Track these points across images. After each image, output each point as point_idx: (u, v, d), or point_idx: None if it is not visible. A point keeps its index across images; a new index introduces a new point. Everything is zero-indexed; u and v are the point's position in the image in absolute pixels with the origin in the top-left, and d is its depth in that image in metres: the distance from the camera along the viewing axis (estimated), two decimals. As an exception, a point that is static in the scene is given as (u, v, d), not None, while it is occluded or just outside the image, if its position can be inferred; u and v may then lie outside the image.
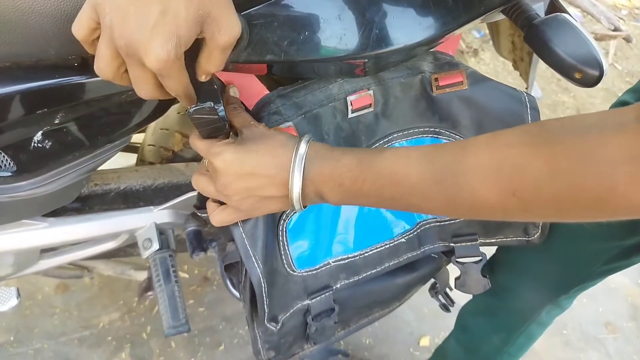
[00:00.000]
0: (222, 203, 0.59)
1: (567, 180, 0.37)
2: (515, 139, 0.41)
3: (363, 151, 0.52)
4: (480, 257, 0.80)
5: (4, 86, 0.52)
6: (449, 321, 1.23)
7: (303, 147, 0.52)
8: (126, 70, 0.45)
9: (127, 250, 1.02)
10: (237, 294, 0.81)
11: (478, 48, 2.90)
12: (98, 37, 0.44)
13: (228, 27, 0.44)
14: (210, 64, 0.47)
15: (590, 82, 0.68)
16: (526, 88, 1.12)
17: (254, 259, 0.62)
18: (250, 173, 0.52)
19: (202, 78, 0.49)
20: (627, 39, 3.18)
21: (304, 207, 0.56)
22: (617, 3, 3.96)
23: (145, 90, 0.45)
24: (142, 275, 1.13)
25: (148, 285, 0.98)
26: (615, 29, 3.05)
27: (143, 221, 0.83)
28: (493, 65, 2.83)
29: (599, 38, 3.11)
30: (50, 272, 1.04)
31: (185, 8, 0.40)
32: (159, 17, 0.40)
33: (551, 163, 0.38)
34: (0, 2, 0.46)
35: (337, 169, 0.51)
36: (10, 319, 1.38)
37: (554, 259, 0.90)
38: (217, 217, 0.58)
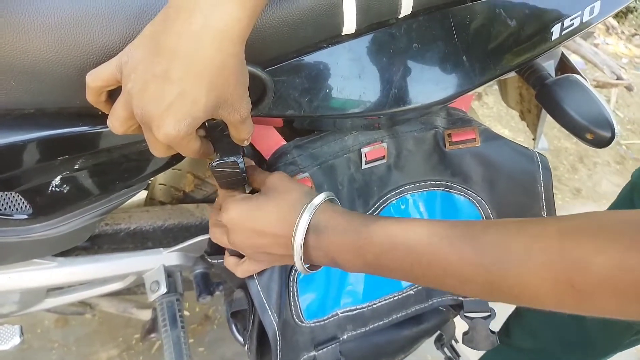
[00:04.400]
0: (239, 255, 0.59)
1: (637, 278, 0.35)
2: (569, 228, 0.39)
3: (387, 223, 0.48)
4: (489, 313, 0.80)
5: (27, 132, 0.52)
6: (452, 371, 1.21)
7: (305, 217, 0.50)
8: (137, 127, 0.47)
9: (131, 288, 1.01)
10: (242, 340, 0.80)
11: (482, 92, 2.94)
12: (106, 92, 0.47)
13: (241, 108, 0.47)
14: (241, 133, 0.50)
15: (602, 143, 0.69)
16: (533, 139, 1.13)
17: (269, 312, 0.62)
18: (257, 231, 0.52)
19: (244, 144, 0.52)
20: (629, 88, 3.23)
21: (313, 271, 0.55)
22: (618, 51, 4.05)
23: (157, 152, 0.48)
24: (144, 314, 1.11)
25: (152, 327, 0.97)
26: (618, 78, 3.10)
27: (152, 263, 0.82)
28: (497, 109, 2.86)
29: (601, 86, 3.15)
30: (53, 308, 1.03)
31: (206, 95, 0.42)
32: (176, 98, 0.42)
33: (622, 261, 0.35)
34: (30, 54, 0.48)
35: (359, 242, 0.48)
36: (8, 352, 1.35)
37: (585, 329, 0.87)
38: (239, 269, 0.59)
